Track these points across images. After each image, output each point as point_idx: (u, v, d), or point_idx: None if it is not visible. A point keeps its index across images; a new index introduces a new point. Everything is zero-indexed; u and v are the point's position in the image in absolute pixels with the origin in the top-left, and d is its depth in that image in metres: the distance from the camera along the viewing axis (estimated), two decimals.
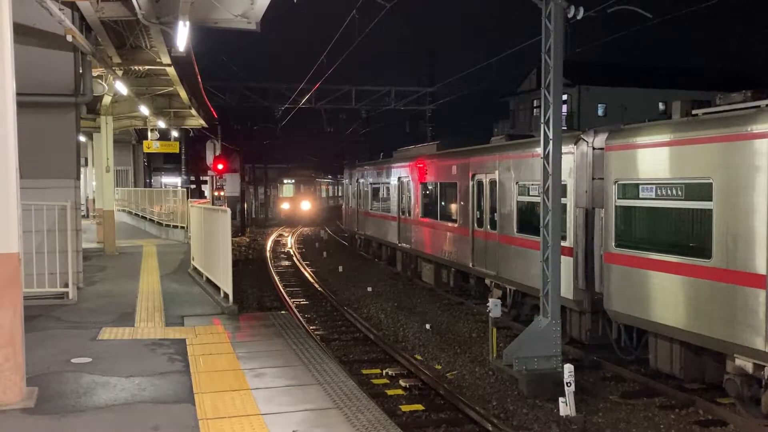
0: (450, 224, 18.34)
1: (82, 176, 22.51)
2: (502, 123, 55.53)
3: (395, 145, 28.17)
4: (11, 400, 6.47)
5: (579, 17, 11.11)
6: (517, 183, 14.43)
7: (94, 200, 32.54)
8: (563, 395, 9.82)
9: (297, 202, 52.55)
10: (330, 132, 51.38)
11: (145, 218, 30.36)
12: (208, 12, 12.00)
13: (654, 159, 10.37)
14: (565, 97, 43.38)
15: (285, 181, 54.60)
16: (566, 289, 11.99)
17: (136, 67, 18.10)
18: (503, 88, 55.31)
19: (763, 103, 9.03)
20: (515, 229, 14.46)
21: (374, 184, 26.85)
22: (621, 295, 11.03)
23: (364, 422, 6.20)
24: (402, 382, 11.25)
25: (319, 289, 20.54)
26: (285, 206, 53.34)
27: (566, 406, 9.76)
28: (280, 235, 41.45)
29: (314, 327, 15.25)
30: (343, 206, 35.71)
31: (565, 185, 12.07)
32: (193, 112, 27.54)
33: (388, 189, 24.70)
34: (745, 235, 8.70)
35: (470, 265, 16.85)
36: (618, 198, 11.11)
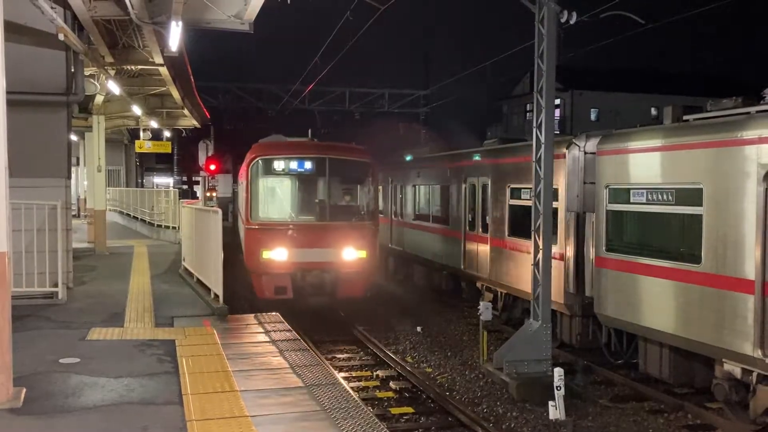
0: (442, 227, 18.36)
1: (73, 176, 22.45)
2: (495, 127, 55.65)
3: (388, 147, 28.18)
4: None
5: (572, 22, 11.16)
6: (508, 186, 14.45)
7: (85, 200, 32.41)
8: (553, 399, 9.83)
9: (322, 240, 14.72)
10: (324, 133, 48.98)
11: (136, 218, 30.26)
12: (201, 12, 11.97)
13: (645, 164, 10.41)
14: (557, 101, 43.57)
15: (276, 165, 15.31)
16: (557, 293, 12.01)
17: (128, 67, 18.01)
18: (497, 92, 55.46)
19: (753, 109, 9.09)
20: (507, 233, 14.48)
21: None
22: (611, 300, 11.05)
23: (352, 425, 6.18)
24: (392, 385, 11.25)
25: None
26: (275, 255, 14.56)
27: (556, 410, 9.78)
28: None
29: (303, 328, 15.20)
30: None
31: (557, 189, 12.10)
32: (186, 112, 27.47)
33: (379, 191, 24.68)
34: (734, 241, 8.74)
35: (462, 268, 16.85)
36: (609, 202, 11.14)
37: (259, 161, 15.31)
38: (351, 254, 14.72)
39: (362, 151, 16.42)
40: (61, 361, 8.11)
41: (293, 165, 15.24)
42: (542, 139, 11.02)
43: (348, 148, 16.69)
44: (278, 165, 15.30)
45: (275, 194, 15.82)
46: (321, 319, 15.13)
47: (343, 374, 11.57)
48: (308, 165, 15.23)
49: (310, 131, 17.29)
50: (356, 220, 15.29)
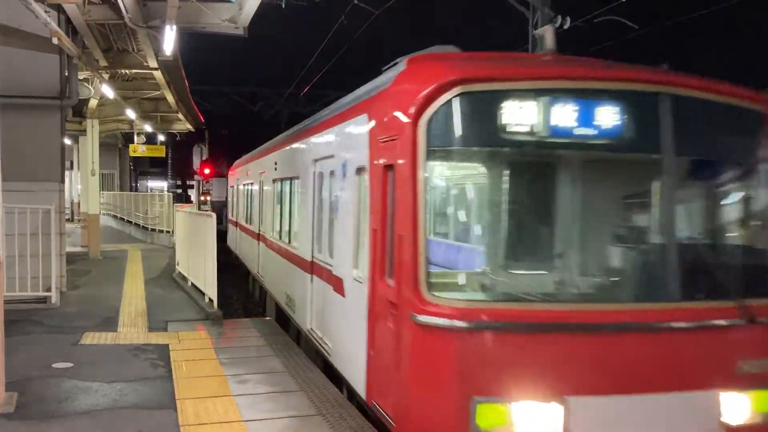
0: None
1: (67, 179, 22.38)
2: None
3: None
4: None
5: (566, 27, 11.21)
6: None
7: (79, 204, 32.33)
8: None
9: (676, 371, 4.65)
10: None
11: (130, 222, 30.19)
12: (195, 16, 12.00)
13: None
14: None
15: (520, 116, 4.60)
16: None
17: (122, 71, 18.04)
18: None
19: None
20: None
21: None
22: None
23: (347, 429, 6.17)
24: None
25: None
26: (520, 422, 4.45)
27: None
28: None
29: None
30: None
31: None
32: (180, 116, 27.47)
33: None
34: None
35: None
36: None
37: (464, 102, 4.85)
38: (750, 407, 5.04)
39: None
40: (54, 365, 8.08)
41: (567, 118, 4.93)
42: None
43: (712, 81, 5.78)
44: (526, 116, 4.85)
45: (512, 212, 6.06)
46: None
47: None
48: (612, 117, 5.04)
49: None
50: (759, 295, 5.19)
